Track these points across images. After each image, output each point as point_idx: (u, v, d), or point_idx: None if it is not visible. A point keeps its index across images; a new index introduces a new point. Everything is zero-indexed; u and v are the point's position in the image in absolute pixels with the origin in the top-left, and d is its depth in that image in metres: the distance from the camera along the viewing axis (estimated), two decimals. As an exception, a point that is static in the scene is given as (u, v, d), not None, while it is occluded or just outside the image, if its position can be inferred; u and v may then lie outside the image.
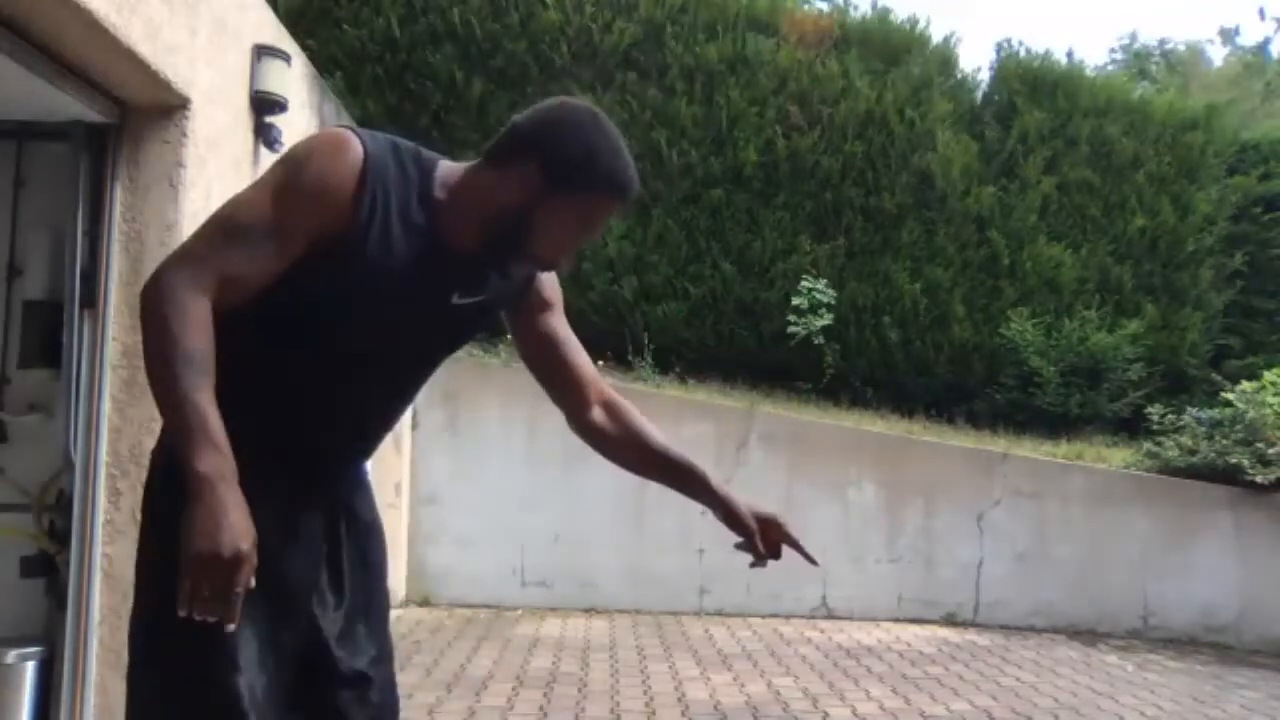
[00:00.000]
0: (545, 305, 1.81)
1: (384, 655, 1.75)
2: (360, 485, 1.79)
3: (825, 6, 10.41)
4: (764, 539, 1.79)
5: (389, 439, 1.88)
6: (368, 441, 1.77)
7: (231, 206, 1.54)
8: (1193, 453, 6.69)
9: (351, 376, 1.62)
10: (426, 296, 1.60)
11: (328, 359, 1.60)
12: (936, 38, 8.64)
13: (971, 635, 6.34)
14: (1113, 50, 24.07)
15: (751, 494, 1.89)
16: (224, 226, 1.50)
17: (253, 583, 1.37)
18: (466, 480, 6.63)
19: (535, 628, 5.97)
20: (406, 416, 6.58)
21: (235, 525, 1.33)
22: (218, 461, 1.36)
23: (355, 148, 1.51)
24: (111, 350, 3.09)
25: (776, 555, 1.81)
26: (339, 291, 1.53)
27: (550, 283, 1.81)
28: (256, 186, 1.55)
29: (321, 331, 1.57)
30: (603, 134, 1.58)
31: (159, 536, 1.53)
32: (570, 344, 1.84)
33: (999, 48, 13.42)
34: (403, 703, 4.55)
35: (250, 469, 1.42)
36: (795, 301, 7.50)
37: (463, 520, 6.61)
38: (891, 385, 7.92)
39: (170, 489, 1.45)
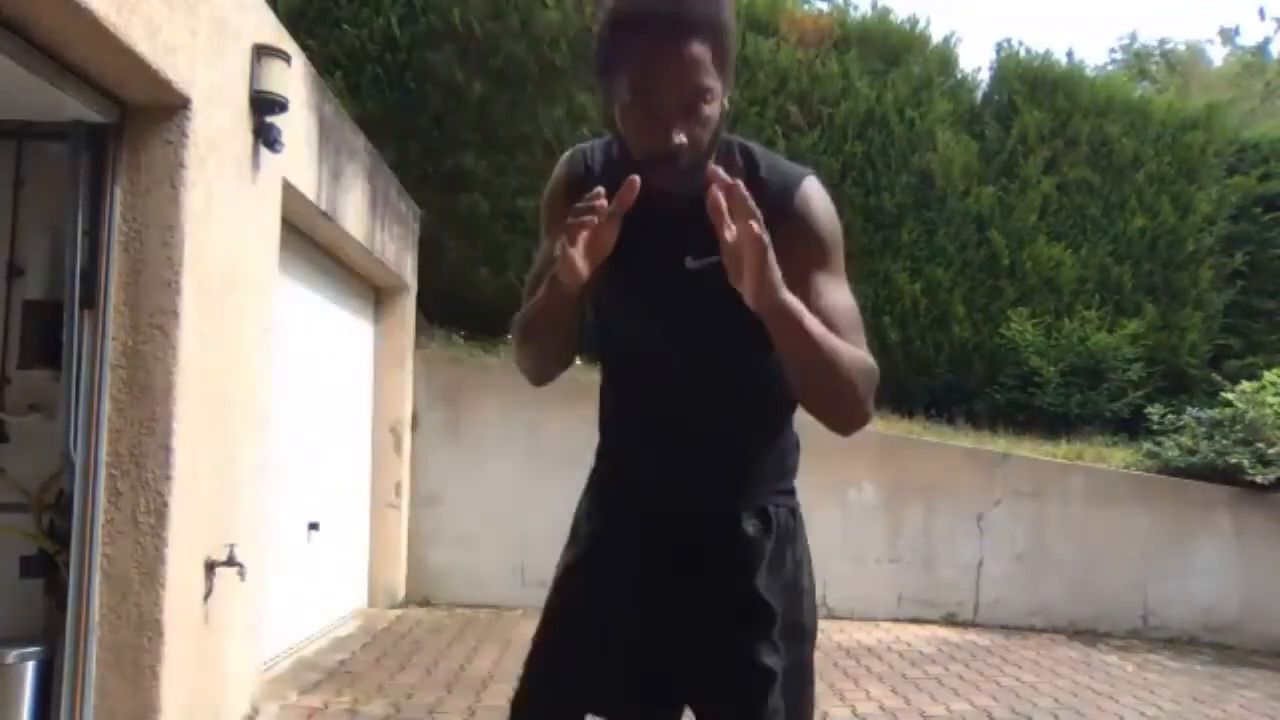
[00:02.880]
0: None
1: (740, 693, 1.54)
2: (728, 538, 1.58)
3: (825, 6, 10.41)
4: None
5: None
6: (713, 468, 1.59)
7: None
8: (1193, 453, 6.69)
9: (649, 386, 1.60)
10: (659, 266, 1.46)
11: (626, 372, 1.64)
12: (936, 38, 8.68)
13: (971, 635, 6.34)
14: (1113, 50, 24.05)
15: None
16: (530, 278, 1.63)
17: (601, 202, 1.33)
18: (466, 480, 6.63)
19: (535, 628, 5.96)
20: (407, 417, 6.58)
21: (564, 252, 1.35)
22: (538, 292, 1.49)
23: (563, 160, 1.60)
24: (111, 350, 3.09)
25: None
26: (603, 299, 1.53)
27: (799, 245, 1.47)
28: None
29: (614, 346, 1.61)
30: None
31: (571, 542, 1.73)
32: None
33: (999, 48, 13.39)
34: (402, 702, 4.55)
35: (599, 509, 1.66)
36: (795, 301, 7.51)
37: (463, 520, 6.61)
38: (891, 385, 7.91)
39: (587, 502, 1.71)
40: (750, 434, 1.62)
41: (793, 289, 1.35)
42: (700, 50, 1.33)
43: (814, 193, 1.50)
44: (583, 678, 1.60)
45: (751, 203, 1.26)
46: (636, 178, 1.31)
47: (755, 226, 1.26)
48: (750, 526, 1.58)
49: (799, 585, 1.62)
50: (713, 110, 1.37)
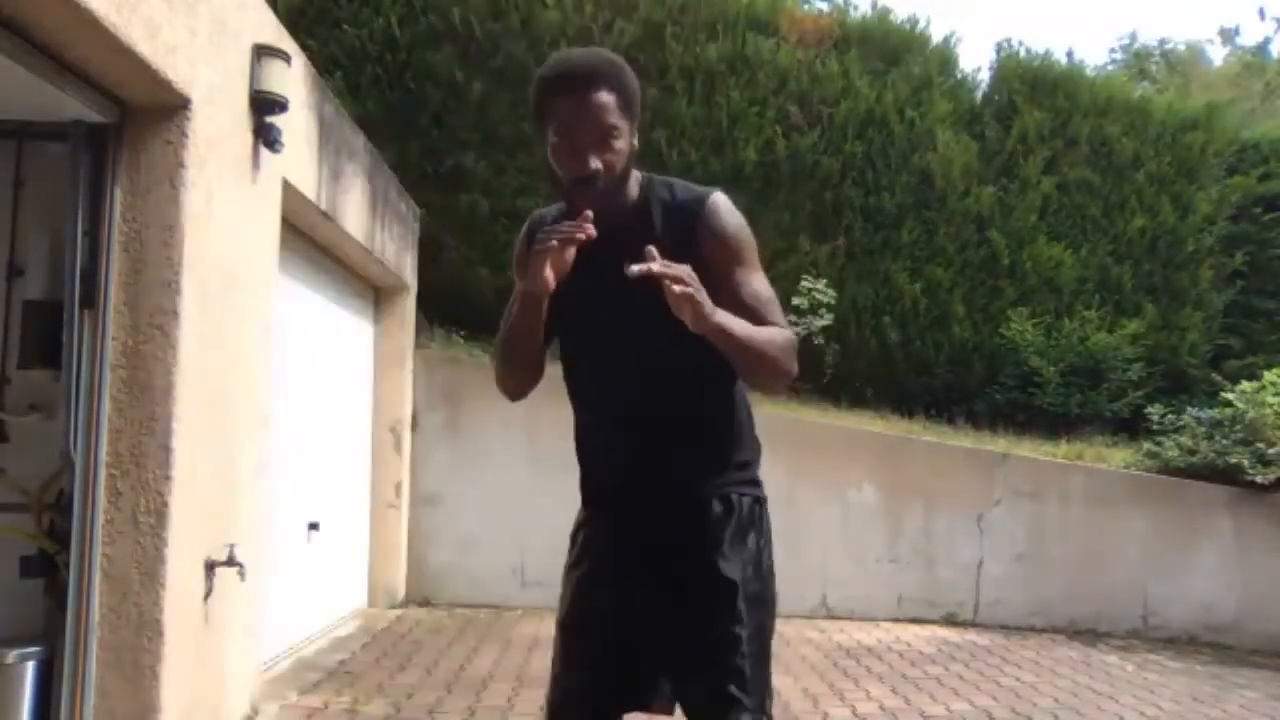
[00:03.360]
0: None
1: (704, 670, 1.80)
2: (693, 522, 1.85)
3: (825, 6, 10.41)
4: None
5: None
6: (660, 467, 1.86)
7: None
8: (1193, 453, 6.69)
9: (604, 386, 1.89)
10: (604, 277, 1.69)
11: (585, 375, 1.92)
12: (936, 38, 8.65)
13: (971, 635, 6.34)
14: (1113, 50, 24.06)
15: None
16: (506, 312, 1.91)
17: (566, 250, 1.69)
18: (466, 480, 6.63)
19: (535, 628, 5.96)
20: (407, 417, 6.58)
21: (532, 270, 1.71)
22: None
23: (526, 223, 1.97)
24: (111, 350, 3.09)
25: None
26: (563, 313, 1.83)
27: (715, 249, 1.80)
28: None
29: (572, 352, 1.92)
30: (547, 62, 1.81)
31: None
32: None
33: (999, 48, 13.40)
34: (402, 702, 4.56)
35: (587, 514, 1.95)
36: (795, 302, 7.50)
37: (463, 520, 6.61)
38: (891, 385, 7.92)
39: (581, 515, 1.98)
40: (694, 421, 1.88)
41: (720, 283, 1.73)
42: (607, 98, 1.71)
43: (720, 203, 1.83)
44: (594, 670, 1.90)
45: (672, 269, 1.60)
46: (590, 213, 1.67)
47: (678, 288, 1.60)
48: (714, 509, 1.85)
49: (761, 563, 1.88)
50: (621, 145, 1.73)
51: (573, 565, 1.96)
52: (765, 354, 1.75)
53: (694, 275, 1.63)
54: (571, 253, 1.68)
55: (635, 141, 1.77)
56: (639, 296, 1.65)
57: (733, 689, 1.77)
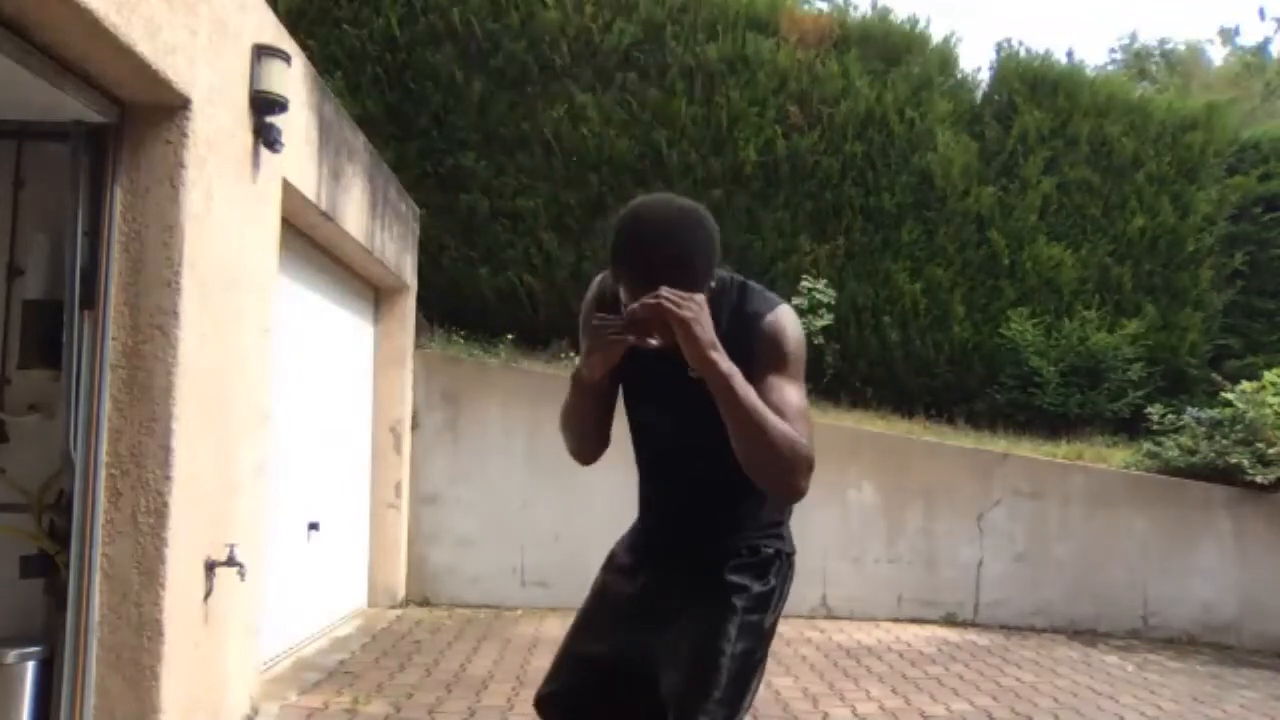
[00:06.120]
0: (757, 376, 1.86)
1: (684, 698, 1.88)
2: (711, 566, 1.97)
3: (825, 6, 10.41)
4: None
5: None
6: (692, 525, 2.01)
7: None
8: (1193, 453, 6.69)
9: (662, 461, 2.03)
10: (661, 374, 1.85)
11: (647, 451, 2.05)
12: (936, 38, 8.66)
13: (971, 635, 6.34)
14: (1113, 50, 24.01)
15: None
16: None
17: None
18: (466, 480, 6.63)
19: (535, 628, 5.96)
20: (407, 417, 6.58)
21: (586, 359, 1.84)
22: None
23: (595, 283, 2.02)
24: (111, 350, 3.09)
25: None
26: (630, 399, 2.01)
27: (764, 354, 1.84)
28: None
29: (638, 432, 2.04)
30: (618, 219, 1.82)
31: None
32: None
33: (999, 48, 13.40)
34: (402, 702, 4.55)
35: (634, 549, 2.10)
36: (795, 301, 7.50)
37: (463, 520, 6.61)
38: (891, 385, 7.92)
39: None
40: (733, 496, 1.97)
41: (755, 381, 1.74)
42: (669, 284, 1.70)
43: (784, 316, 1.88)
44: (585, 660, 2.06)
45: (677, 295, 1.68)
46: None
47: (677, 309, 1.66)
48: (738, 553, 1.98)
49: (767, 601, 1.98)
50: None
51: (600, 580, 2.13)
52: (768, 434, 1.70)
53: (702, 304, 1.69)
54: (621, 351, 1.78)
55: (712, 286, 1.79)
56: (696, 396, 1.74)
57: (705, 698, 1.85)
